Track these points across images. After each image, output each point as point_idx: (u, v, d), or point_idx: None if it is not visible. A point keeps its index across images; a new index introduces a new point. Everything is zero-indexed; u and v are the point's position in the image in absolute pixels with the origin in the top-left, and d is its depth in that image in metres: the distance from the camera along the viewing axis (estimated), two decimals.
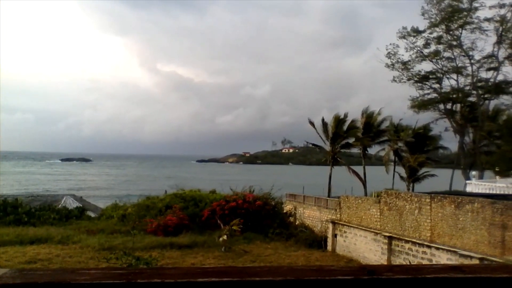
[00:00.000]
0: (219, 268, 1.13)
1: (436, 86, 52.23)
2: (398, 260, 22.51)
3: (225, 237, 25.40)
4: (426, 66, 51.52)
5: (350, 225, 26.83)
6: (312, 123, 48.91)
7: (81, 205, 38.54)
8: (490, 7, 46.34)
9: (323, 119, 48.77)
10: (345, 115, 48.02)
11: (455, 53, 49.72)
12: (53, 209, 34.68)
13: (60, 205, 36.80)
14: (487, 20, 46.66)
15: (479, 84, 49.67)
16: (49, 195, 44.51)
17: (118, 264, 16.07)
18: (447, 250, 19.56)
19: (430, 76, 51.76)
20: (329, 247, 27.84)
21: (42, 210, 33.91)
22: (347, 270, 1.14)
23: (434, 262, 20.26)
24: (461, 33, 48.55)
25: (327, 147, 49.13)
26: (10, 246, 22.63)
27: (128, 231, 26.79)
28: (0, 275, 1.02)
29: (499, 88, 48.75)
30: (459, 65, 49.91)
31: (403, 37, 50.25)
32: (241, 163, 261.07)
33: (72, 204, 38.27)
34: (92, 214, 36.82)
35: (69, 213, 34.90)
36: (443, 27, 48.87)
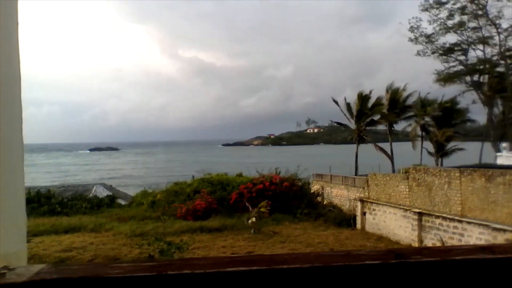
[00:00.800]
0: (247, 256, 1.13)
1: (462, 58, 50.83)
2: (429, 236, 22.32)
3: (253, 219, 25.59)
4: (450, 38, 50.32)
5: (379, 202, 26.68)
6: (336, 102, 48.58)
7: (111, 194, 39.29)
8: None
9: (345, 99, 48.44)
10: (370, 92, 47.54)
11: (480, 23, 48.11)
12: (84, 199, 35.52)
13: (91, 194, 37.62)
14: None
15: (507, 53, 48.13)
16: (80, 185, 45.50)
17: (150, 249, 16.39)
18: (479, 224, 19.28)
19: (455, 48, 50.36)
20: (359, 225, 27.79)
21: (74, 199, 34.76)
22: (374, 255, 1.13)
23: (465, 237, 20.03)
24: (486, 2, 46.97)
25: (352, 125, 48.76)
26: (46, 236, 23.28)
27: (158, 217, 27.26)
28: (37, 271, 1.05)
29: None
30: (486, 35, 48.36)
31: (426, 9, 48.87)
32: (269, 145, 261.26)
33: (102, 192, 39.05)
34: (123, 202, 37.54)
35: (100, 201, 35.68)
36: None
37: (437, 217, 21.85)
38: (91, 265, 1.11)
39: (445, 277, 1.08)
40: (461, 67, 50.86)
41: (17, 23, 1.27)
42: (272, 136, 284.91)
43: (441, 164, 45.50)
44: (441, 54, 50.91)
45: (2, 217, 1.14)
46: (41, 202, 32.30)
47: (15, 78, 1.25)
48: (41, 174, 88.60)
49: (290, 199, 31.54)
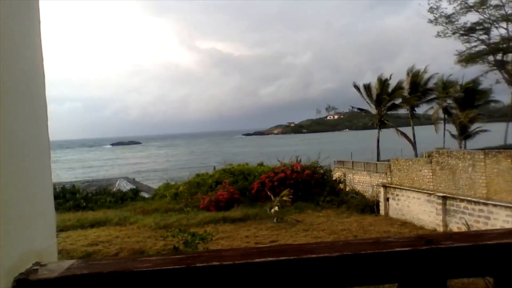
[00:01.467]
0: (275, 246, 1.13)
1: (484, 37, 49.65)
2: (453, 220, 22.06)
3: (276, 208, 25.64)
4: (472, 17, 49.22)
5: (402, 187, 26.45)
6: (357, 87, 48.04)
7: (134, 187, 39.77)
8: None
9: (364, 85, 47.87)
10: (390, 76, 46.93)
11: (503, 0, 46.96)
12: (108, 193, 36.02)
13: (114, 188, 38.12)
14: None
15: None
16: (103, 179, 46.12)
17: (174, 241, 16.56)
18: (506, 207, 18.96)
19: (477, 27, 49.21)
20: (382, 211, 27.61)
21: (98, 194, 35.29)
22: (404, 241, 1.11)
23: (491, 220, 19.73)
24: None
25: (373, 110, 48.27)
26: (72, 230, 23.72)
27: (182, 208, 27.52)
28: (68, 266, 1.08)
29: None
30: (509, 12, 47.17)
31: None
32: (289, 133, 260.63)
33: (126, 186, 39.54)
34: (146, 195, 37.96)
35: (124, 195, 36.15)
36: None
37: (462, 200, 21.56)
38: (120, 259, 1.13)
39: (478, 263, 1.06)
40: (483, 46, 49.72)
41: (39, 21, 1.28)
42: (292, 124, 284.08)
43: (465, 147, 44.76)
44: (462, 34, 49.83)
45: (33, 213, 1.16)
46: (66, 198, 32.88)
47: (39, 76, 1.27)
48: (64, 171, 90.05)
49: (312, 187, 31.48)
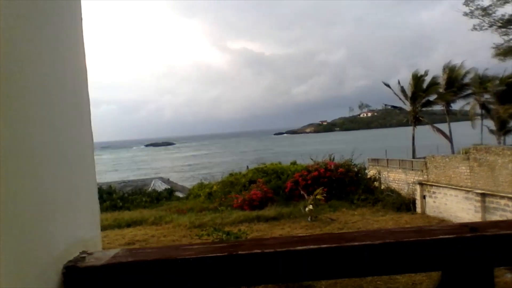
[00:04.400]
0: (316, 235, 1.13)
1: None
2: (493, 217, 21.45)
3: (310, 206, 25.49)
4: (510, 9, 47.41)
5: (439, 185, 25.89)
6: (387, 85, 47.41)
7: (169, 187, 40.30)
8: None
9: (399, 81, 47.16)
10: (425, 73, 46.03)
11: None
12: (144, 193, 36.62)
13: (150, 188, 38.72)
14: None
15: None
16: (139, 179, 46.89)
17: (210, 240, 16.70)
18: None
19: None
20: (418, 209, 27.09)
21: (134, 194, 35.92)
22: (448, 229, 1.09)
23: None
24: None
25: (408, 107, 47.44)
26: (110, 230, 24.19)
27: (216, 207, 27.70)
28: (114, 254, 1.12)
29: None
30: None
31: None
32: (322, 131, 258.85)
33: (161, 186, 40.11)
34: (181, 195, 38.41)
35: (159, 195, 36.68)
36: None
37: (502, 197, 20.93)
38: (164, 247, 1.15)
39: None
40: None
41: (81, 18, 1.32)
42: (325, 123, 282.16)
43: (504, 143, 43.43)
44: (500, 27, 48.23)
45: (78, 206, 1.20)
46: (103, 198, 33.56)
47: (82, 73, 1.31)
48: (102, 171, 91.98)
49: (346, 185, 31.17)
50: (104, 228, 24.55)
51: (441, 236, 1.04)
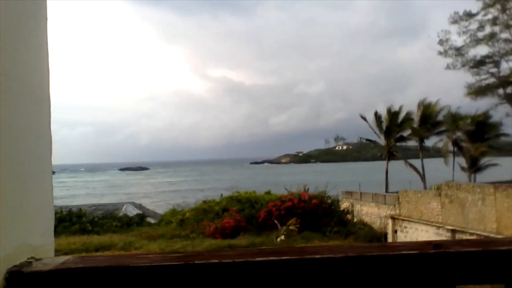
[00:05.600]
0: (277, 248, 1.10)
1: (494, 70, 49.65)
2: None
3: (282, 237, 25.39)
4: (481, 50, 49.10)
5: (411, 219, 26.15)
6: (364, 118, 48.19)
7: (141, 212, 39.65)
8: None
9: (375, 113, 47.97)
10: (400, 108, 47.08)
11: None
12: (114, 217, 35.88)
13: (121, 213, 38.01)
14: None
15: None
16: (110, 203, 46.02)
17: None
18: None
19: (487, 60, 49.26)
20: None
21: (105, 218, 35.16)
22: (412, 245, 1.08)
23: None
24: None
25: (382, 141, 48.23)
26: (77, 254, 23.53)
27: (187, 235, 27.30)
28: (63, 261, 1.06)
29: None
30: None
31: (455, 22, 48.26)
32: (299, 162, 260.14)
33: (132, 211, 39.43)
34: (152, 220, 37.77)
35: (130, 220, 35.99)
36: (499, 7, 46.49)
37: (471, 234, 21.24)
38: (117, 255, 1.11)
39: (488, 267, 1.02)
40: (493, 79, 49.71)
41: (46, 18, 1.29)
42: (301, 154, 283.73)
43: (474, 180, 44.37)
44: (472, 67, 49.92)
45: (30, 209, 1.14)
46: (72, 221, 32.78)
47: (44, 73, 1.27)
48: (71, 193, 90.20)
49: (319, 216, 31.15)
50: (71, 251, 23.86)
51: (404, 252, 1.02)
